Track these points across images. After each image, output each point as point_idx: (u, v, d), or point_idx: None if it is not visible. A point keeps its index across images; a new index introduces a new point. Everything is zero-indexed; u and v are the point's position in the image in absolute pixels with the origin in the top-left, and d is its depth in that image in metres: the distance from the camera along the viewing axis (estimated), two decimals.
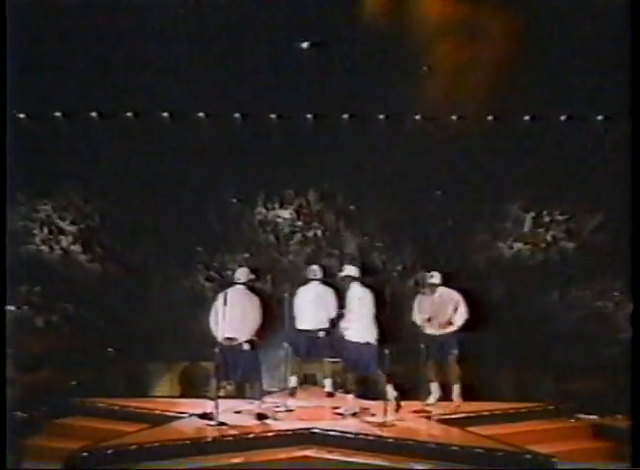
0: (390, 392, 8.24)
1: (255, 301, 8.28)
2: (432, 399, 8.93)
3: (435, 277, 9.25)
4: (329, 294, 9.34)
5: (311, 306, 9.28)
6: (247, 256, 10.22)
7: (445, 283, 9.39)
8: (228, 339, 8.03)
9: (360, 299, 8.62)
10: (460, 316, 9.20)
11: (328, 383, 9.27)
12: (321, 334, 9.14)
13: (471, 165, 9.72)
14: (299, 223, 10.40)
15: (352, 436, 7.54)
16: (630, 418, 6.86)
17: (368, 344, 8.44)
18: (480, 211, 9.99)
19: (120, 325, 9.82)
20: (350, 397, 8.56)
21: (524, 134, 9.43)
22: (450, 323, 9.11)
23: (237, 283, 8.35)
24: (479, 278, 9.87)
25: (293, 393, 9.04)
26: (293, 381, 9.22)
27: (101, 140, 9.51)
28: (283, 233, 10.39)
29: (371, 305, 8.55)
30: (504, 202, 10.00)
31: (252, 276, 8.41)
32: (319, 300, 9.26)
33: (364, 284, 8.87)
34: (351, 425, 7.93)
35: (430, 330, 9.07)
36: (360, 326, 8.48)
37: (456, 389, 8.95)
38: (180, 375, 9.95)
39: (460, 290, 9.39)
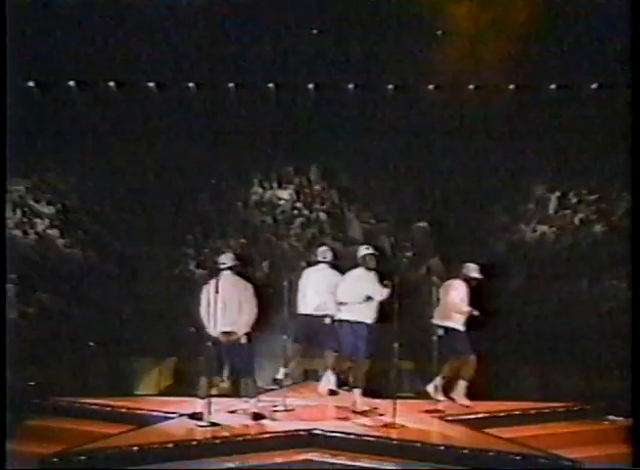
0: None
1: (249, 288, 8.18)
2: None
3: (474, 270, 9.08)
4: (337, 279, 9.23)
5: (317, 290, 9.25)
6: (242, 240, 10.16)
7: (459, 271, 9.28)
8: (225, 333, 7.97)
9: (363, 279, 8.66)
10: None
11: (331, 379, 9.21)
12: (326, 320, 9.08)
13: (490, 140, 9.61)
14: (300, 204, 10.33)
15: (358, 437, 7.49)
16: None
17: (361, 324, 8.48)
18: (499, 190, 9.88)
19: (102, 317, 9.74)
20: (358, 392, 8.56)
21: (549, 105, 9.28)
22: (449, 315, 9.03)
23: (224, 269, 8.21)
24: (497, 264, 9.75)
25: (277, 383, 9.04)
26: (281, 373, 9.16)
27: (79, 112, 9.43)
28: (282, 215, 10.31)
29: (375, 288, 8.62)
30: (526, 180, 9.88)
31: (238, 262, 8.32)
32: (326, 284, 9.19)
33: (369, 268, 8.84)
34: (357, 426, 7.93)
35: (439, 321, 9.02)
36: (356, 306, 8.54)
37: (462, 386, 8.90)
38: (169, 371, 9.96)
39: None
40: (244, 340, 8.07)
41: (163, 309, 9.84)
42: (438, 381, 8.92)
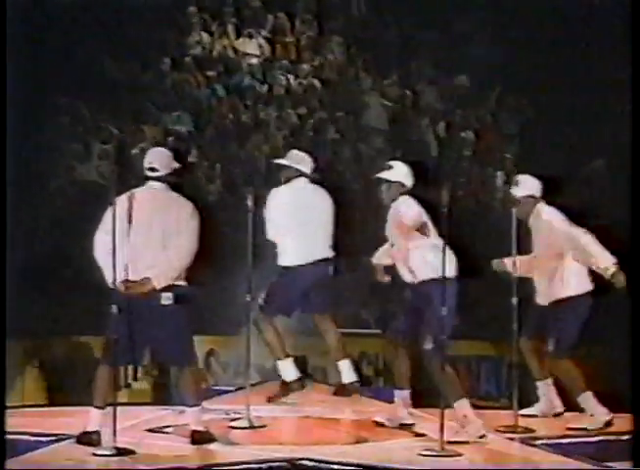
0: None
1: (185, 208, 8.07)
2: (535, 409, 9.19)
3: (524, 184, 9.09)
4: (324, 200, 9.38)
5: (294, 222, 9.31)
6: (174, 129, 10.26)
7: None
8: (129, 283, 7.89)
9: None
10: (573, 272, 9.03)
11: (346, 368, 9.40)
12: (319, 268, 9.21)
13: None
14: (280, 63, 10.44)
15: None
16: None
17: (432, 282, 8.41)
18: None
19: None
20: (404, 395, 8.68)
21: None
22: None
23: (150, 177, 8.10)
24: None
25: (295, 388, 9.32)
26: (288, 369, 9.32)
27: None
28: (245, 83, 10.45)
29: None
30: None
31: (177, 165, 8.16)
32: (308, 209, 9.29)
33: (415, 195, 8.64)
34: (375, 451, 7.95)
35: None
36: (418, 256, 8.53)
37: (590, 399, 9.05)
38: (43, 362, 9.99)
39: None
40: (166, 300, 7.90)
41: (34, 253, 9.89)
42: (547, 388, 9.08)
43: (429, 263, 8.51)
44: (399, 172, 8.69)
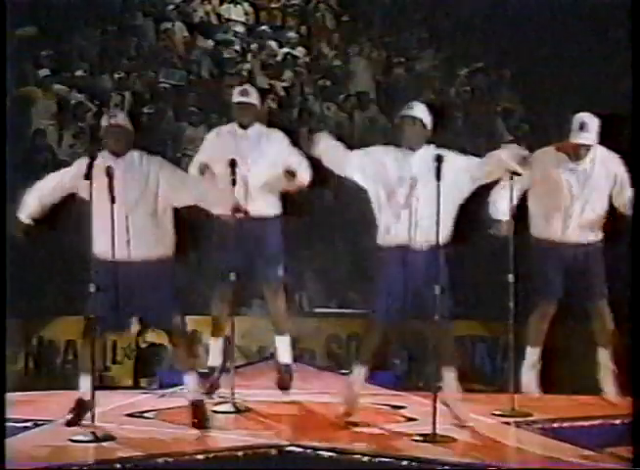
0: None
1: (172, 172, 8.13)
2: None
3: (593, 126, 8.73)
4: (277, 140, 9.00)
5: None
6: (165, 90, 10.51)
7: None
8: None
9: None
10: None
11: (283, 349, 9.21)
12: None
13: None
14: (262, 30, 10.37)
15: (365, 459, 7.39)
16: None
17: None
18: None
19: None
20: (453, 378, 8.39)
21: None
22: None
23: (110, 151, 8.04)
24: None
25: (214, 379, 9.12)
26: (214, 354, 9.18)
27: None
28: (229, 53, 10.38)
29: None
30: None
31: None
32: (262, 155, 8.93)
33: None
34: (365, 438, 7.94)
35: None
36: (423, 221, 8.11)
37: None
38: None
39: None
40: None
41: None
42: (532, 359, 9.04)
43: None
44: (420, 109, 8.26)
